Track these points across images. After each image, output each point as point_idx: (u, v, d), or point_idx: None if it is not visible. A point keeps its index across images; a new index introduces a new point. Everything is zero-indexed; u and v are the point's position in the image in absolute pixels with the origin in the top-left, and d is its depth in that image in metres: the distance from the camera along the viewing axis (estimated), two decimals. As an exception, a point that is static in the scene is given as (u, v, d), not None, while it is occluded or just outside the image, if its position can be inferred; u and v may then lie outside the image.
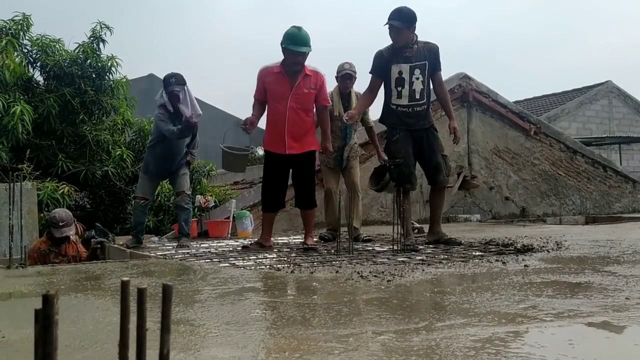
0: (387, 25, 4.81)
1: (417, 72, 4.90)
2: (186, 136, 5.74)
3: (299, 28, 4.86)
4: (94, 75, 8.60)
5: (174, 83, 5.52)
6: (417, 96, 4.92)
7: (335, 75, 5.73)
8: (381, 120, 5.20)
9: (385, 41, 4.99)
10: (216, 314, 2.09)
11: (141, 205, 5.70)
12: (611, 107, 21.67)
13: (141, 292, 0.72)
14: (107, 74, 8.75)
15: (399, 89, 4.92)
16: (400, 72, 4.87)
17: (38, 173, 6.96)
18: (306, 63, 4.89)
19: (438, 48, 5.02)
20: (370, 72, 5.02)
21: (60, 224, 5.36)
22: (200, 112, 5.71)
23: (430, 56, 4.93)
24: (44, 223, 6.39)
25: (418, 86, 4.92)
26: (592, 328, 1.76)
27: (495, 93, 9.88)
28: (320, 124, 5.17)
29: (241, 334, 1.79)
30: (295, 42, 4.75)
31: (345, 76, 5.67)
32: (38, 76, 8.80)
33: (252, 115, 5.02)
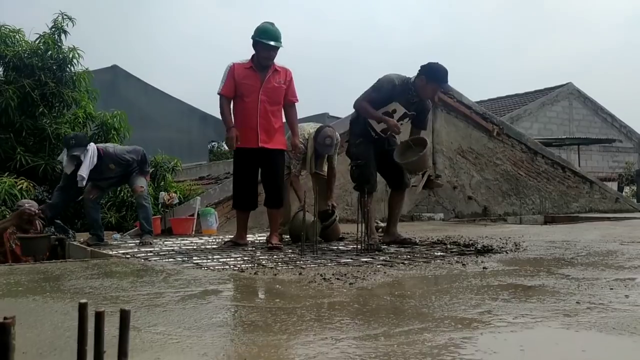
0: (439, 85, 4.92)
1: (405, 120, 5.02)
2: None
3: (272, 24, 4.94)
4: (54, 67, 8.38)
5: (73, 146, 5.45)
6: (388, 132, 4.99)
7: (315, 137, 5.72)
8: (351, 120, 5.26)
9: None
10: (177, 319, 2.09)
11: (91, 201, 5.62)
12: (571, 108, 22.32)
13: (99, 316, 0.72)
14: (69, 65, 8.53)
15: (380, 122, 4.97)
16: (393, 111, 4.93)
17: (-5, 167, 6.76)
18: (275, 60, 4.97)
19: (430, 109, 5.21)
20: (372, 89, 4.94)
21: (27, 205, 5.35)
22: (84, 175, 5.48)
23: (422, 111, 5.06)
24: (0, 219, 6.22)
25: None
26: (543, 334, 1.83)
27: (460, 94, 10.06)
28: (288, 121, 5.19)
29: (202, 340, 1.79)
30: (269, 37, 4.84)
31: (327, 149, 5.72)
32: (-3, 67, 8.53)
33: (231, 128, 4.94)
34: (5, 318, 0.67)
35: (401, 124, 4.98)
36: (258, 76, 4.91)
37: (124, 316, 0.68)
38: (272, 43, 4.82)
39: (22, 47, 8.26)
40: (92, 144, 5.63)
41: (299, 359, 1.56)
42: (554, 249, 4.50)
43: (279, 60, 5.04)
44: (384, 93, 4.90)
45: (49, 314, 2.20)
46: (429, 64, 4.85)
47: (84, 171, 5.39)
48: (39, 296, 2.58)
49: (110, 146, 5.90)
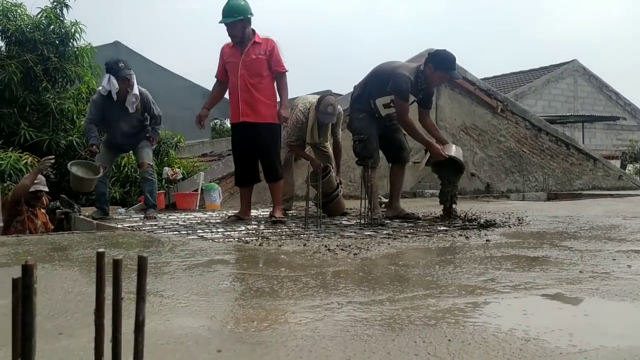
0: (448, 73, 4.88)
1: (414, 103, 5.02)
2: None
3: (227, 0, 4.91)
4: (57, 42, 8.34)
5: (123, 68, 5.46)
6: (393, 113, 5.05)
7: (316, 105, 5.70)
8: (354, 97, 5.25)
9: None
10: (185, 285, 2.12)
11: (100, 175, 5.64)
12: (576, 85, 22.15)
13: (117, 264, 0.74)
14: (71, 40, 8.51)
15: (387, 107, 4.99)
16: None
17: (0, 142, 6.78)
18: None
19: (435, 91, 5.22)
20: (400, 98, 4.84)
21: (36, 181, 5.35)
22: (137, 93, 5.61)
23: (427, 93, 5.05)
24: (6, 193, 6.25)
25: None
26: (546, 299, 1.86)
27: (464, 70, 9.98)
28: (277, 91, 5.09)
29: (210, 304, 1.83)
30: (223, 15, 4.88)
31: (328, 118, 5.70)
32: (-1, 42, 8.50)
33: (202, 109, 5.22)
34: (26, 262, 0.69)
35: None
36: (238, 51, 4.95)
37: (142, 262, 0.70)
38: (224, 21, 4.85)
39: (24, 21, 8.23)
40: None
41: (306, 322, 1.59)
42: (557, 224, 4.52)
43: (274, 34, 5.10)
44: (407, 95, 4.88)
45: (59, 281, 2.23)
46: (437, 52, 4.84)
47: (133, 100, 5.51)
48: (48, 264, 2.61)
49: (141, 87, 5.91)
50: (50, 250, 3.18)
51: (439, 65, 4.78)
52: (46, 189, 5.59)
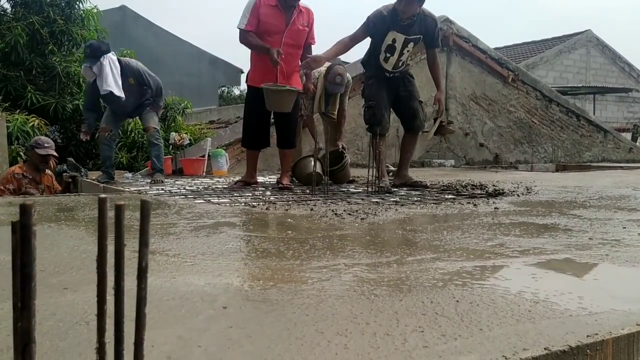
0: None
1: (410, 45, 4.86)
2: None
3: None
4: (63, 4, 8.25)
5: (105, 51, 5.47)
6: (401, 65, 4.94)
7: (325, 75, 5.59)
8: (363, 62, 5.18)
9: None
10: (191, 245, 2.11)
11: (106, 138, 5.64)
12: (589, 56, 21.77)
13: (119, 208, 0.72)
14: (77, 2, 8.39)
15: (387, 55, 4.88)
16: (393, 40, 4.80)
17: (7, 105, 6.76)
18: None
19: (436, 24, 4.93)
20: (364, 27, 4.78)
21: (46, 145, 5.36)
22: (106, 89, 5.46)
23: (427, 31, 4.85)
24: (14, 156, 6.27)
25: (405, 57, 4.92)
26: (555, 264, 1.84)
27: (476, 38, 9.82)
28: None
29: (216, 263, 1.82)
30: None
31: (337, 88, 5.61)
32: (4, 3, 8.40)
33: (269, 48, 4.63)
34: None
35: (408, 51, 4.87)
36: (283, 16, 4.71)
37: (145, 206, 0.68)
38: None
39: (30, -18, 8.11)
40: (109, 54, 5.52)
41: (312, 281, 1.57)
42: (566, 193, 4.47)
43: None
44: (376, 29, 4.77)
45: (64, 239, 2.23)
46: None
47: (110, 84, 5.41)
48: (54, 224, 2.61)
49: (133, 61, 5.89)
50: (56, 211, 3.18)
51: None
52: (55, 154, 5.59)
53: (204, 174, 7.18)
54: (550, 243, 2.20)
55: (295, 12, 4.74)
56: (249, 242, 2.21)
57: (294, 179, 5.66)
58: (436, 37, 4.95)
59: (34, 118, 7.11)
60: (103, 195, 0.75)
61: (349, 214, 3.06)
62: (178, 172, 7.34)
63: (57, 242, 2.14)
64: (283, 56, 4.64)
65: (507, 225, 2.71)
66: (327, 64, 5.89)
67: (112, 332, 0.77)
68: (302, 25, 4.80)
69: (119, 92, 5.40)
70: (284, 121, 5.03)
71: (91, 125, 5.74)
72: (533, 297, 1.41)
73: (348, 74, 5.81)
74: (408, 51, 4.87)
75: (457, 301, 1.38)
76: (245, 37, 4.77)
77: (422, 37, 4.85)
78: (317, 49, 5.10)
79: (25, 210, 0.64)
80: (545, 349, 1.05)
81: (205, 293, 1.45)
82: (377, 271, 1.70)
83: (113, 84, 5.37)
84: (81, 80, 8.36)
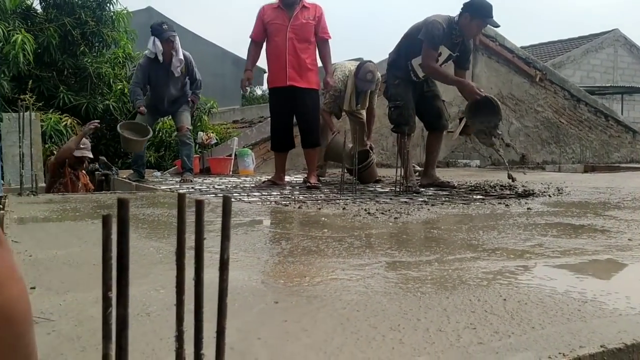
0: (483, 21, 4.62)
1: (450, 60, 4.90)
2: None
3: None
4: (94, 6, 8.40)
5: (167, 30, 5.52)
6: (431, 81, 4.99)
7: (355, 72, 5.62)
8: (390, 63, 5.17)
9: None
10: (233, 243, 2.13)
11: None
12: (616, 56, 21.39)
13: (199, 203, 0.75)
14: (108, 4, 8.55)
15: None
16: (439, 54, 4.81)
17: (40, 104, 6.92)
18: None
19: (472, 49, 4.97)
20: (429, 43, 4.72)
21: (82, 145, 5.47)
22: (182, 58, 5.62)
23: (464, 51, 4.87)
24: (47, 154, 6.41)
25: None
26: (598, 265, 1.84)
27: (503, 37, 9.74)
28: (321, 58, 5.08)
29: (259, 260, 1.85)
30: None
31: (367, 85, 5.63)
32: (37, 5, 8.59)
33: (246, 70, 5.13)
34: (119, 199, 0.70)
35: (445, 65, 4.91)
36: (285, 14, 4.88)
37: (227, 202, 0.71)
38: None
39: (62, -16, 8.28)
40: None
41: (357, 278, 1.60)
42: (598, 194, 4.43)
43: None
44: (439, 40, 4.73)
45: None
46: (472, 0, 4.66)
47: (181, 61, 5.57)
48: (97, 220, 2.68)
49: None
50: (96, 208, 3.26)
51: (476, 13, 4.58)
52: (91, 155, 5.70)
53: (231, 173, 7.25)
54: (590, 244, 2.19)
55: (297, 8, 4.87)
56: (289, 240, 2.25)
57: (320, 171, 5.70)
58: (469, 59, 5.01)
59: (67, 117, 7.27)
60: (182, 191, 0.79)
61: (382, 213, 3.08)
62: (205, 171, 7.43)
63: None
64: (248, 84, 5.11)
65: (543, 225, 2.70)
66: (356, 62, 5.92)
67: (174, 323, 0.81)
68: (307, 19, 4.89)
69: (177, 73, 5.57)
70: (304, 121, 5.08)
71: (143, 100, 5.78)
72: (580, 296, 1.42)
73: (378, 73, 5.82)
74: (445, 65, 4.90)
75: (505, 299, 1.39)
76: (249, 46, 5.12)
77: (457, 55, 4.87)
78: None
79: (122, 204, 0.67)
80: (601, 346, 1.06)
81: (255, 288, 1.49)
82: (419, 269, 1.72)
83: (180, 62, 5.56)
84: (111, 80, 8.51)
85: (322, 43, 5.00)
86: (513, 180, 5.11)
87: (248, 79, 5.09)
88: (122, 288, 0.71)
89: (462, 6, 4.69)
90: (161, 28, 5.51)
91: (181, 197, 0.79)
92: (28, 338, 0.67)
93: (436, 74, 4.84)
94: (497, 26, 4.69)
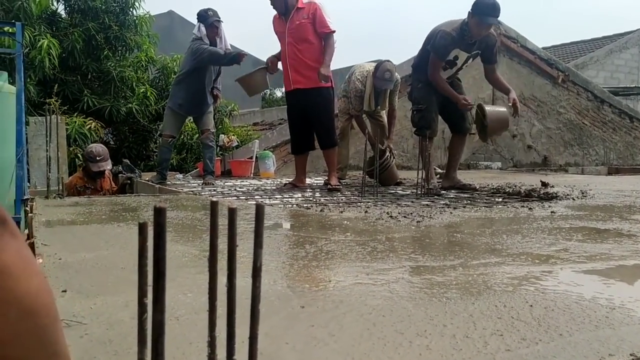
0: (481, 20, 4.58)
1: (469, 61, 4.92)
2: (219, 63, 5.76)
3: None
4: (117, 10, 8.53)
5: (212, 15, 5.63)
6: (455, 77, 5.00)
7: (374, 72, 5.62)
8: (413, 66, 5.18)
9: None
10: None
11: (168, 143, 5.79)
12: (641, 56, 20.99)
13: (232, 211, 0.77)
14: (131, 9, 8.67)
15: (446, 68, 4.92)
16: (455, 57, 4.85)
17: (65, 108, 7.04)
18: None
19: (496, 40, 4.93)
20: (436, 54, 4.80)
21: (97, 158, 5.52)
22: (230, 47, 5.73)
23: (487, 47, 4.84)
24: (72, 157, 6.53)
25: (462, 71, 4.99)
26: (626, 270, 1.82)
27: (524, 38, 9.64)
28: (324, 50, 4.98)
29: (284, 264, 1.87)
30: None
31: (386, 84, 5.60)
32: (62, 10, 8.75)
33: (272, 55, 5.18)
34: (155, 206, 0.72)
35: (466, 65, 4.93)
36: (284, 21, 4.98)
37: (260, 211, 0.73)
38: None
39: (87, -10, 8.42)
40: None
41: (380, 283, 1.60)
42: (623, 197, 4.36)
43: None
44: (448, 50, 4.78)
45: (136, 237, 2.32)
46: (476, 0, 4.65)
47: (222, 45, 5.62)
48: (122, 223, 2.73)
49: None
50: (121, 211, 3.31)
51: (475, 11, 4.58)
52: (109, 167, 5.77)
53: (252, 175, 7.30)
54: (617, 249, 2.16)
55: (292, 12, 4.93)
56: (312, 244, 2.26)
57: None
58: (495, 53, 4.96)
59: (91, 121, 7.39)
60: (214, 199, 0.80)
61: (404, 217, 3.07)
62: (226, 174, 7.49)
63: (130, 241, 2.24)
64: (272, 68, 5.15)
65: (568, 229, 2.67)
66: (372, 64, 5.92)
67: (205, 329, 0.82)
68: (301, 19, 4.91)
69: (228, 55, 5.61)
70: (317, 122, 5.07)
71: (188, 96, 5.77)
72: (608, 303, 1.41)
73: (397, 74, 5.81)
74: (466, 66, 4.95)
75: (531, 306, 1.38)
76: None
77: (479, 52, 4.85)
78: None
79: (160, 211, 0.69)
80: (630, 354, 1.05)
81: (280, 293, 1.50)
82: (444, 274, 1.72)
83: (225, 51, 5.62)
84: (134, 83, 8.62)
85: (325, 38, 4.96)
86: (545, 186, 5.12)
87: (271, 62, 5.13)
88: (159, 293, 0.73)
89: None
90: (206, 14, 5.60)
91: (214, 205, 0.80)
92: (55, 333, 0.67)
93: (436, 84, 4.89)
94: (493, 25, 4.65)
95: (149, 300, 0.77)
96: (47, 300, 0.66)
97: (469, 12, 4.65)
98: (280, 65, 5.19)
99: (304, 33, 4.91)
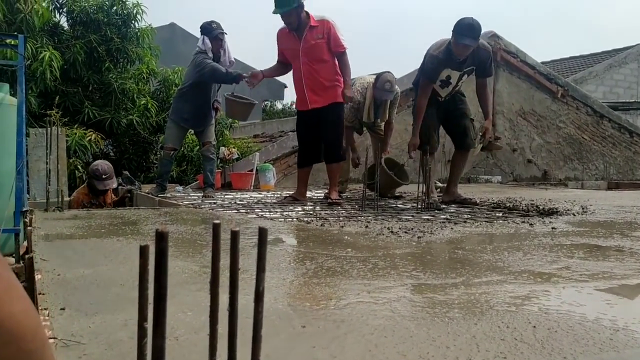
0: (457, 41, 4.61)
1: (464, 77, 4.95)
2: (218, 80, 5.80)
3: None
4: (119, 22, 8.57)
5: (216, 28, 5.64)
6: (454, 93, 5.03)
7: (374, 83, 5.65)
8: (414, 82, 5.23)
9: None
10: (254, 261, 2.16)
11: (170, 156, 5.78)
12: (640, 71, 21.08)
13: (235, 234, 0.76)
14: (133, 21, 8.71)
15: (442, 87, 4.96)
16: (448, 77, 4.88)
17: (66, 119, 7.05)
18: (312, 14, 4.91)
19: (489, 55, 4.93)
20: (424, 77, 4.89)
21: (104, 176, 5.52)
22: (233, 59, 5.76)
23: (480, 63, 4.86)
24: (72, 169, 6.52)
25: (459, 87, 5.02)
26: (628, 290, 1.80)
27: (524, 53, 9.69)
28: (340, 70, 5.01)
29: (284, 282, 1.86)
30: (276, 5, 4.77)
31: (385, 94, 5.62)
32: (64, 22, 8.79)
33: (260, 71, 5.23)
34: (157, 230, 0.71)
35: (462, 82, 4.99)
36: (296, 38, 4.89)
37: (262, 234, 0.72)
38: (278, 11, 4.76)
39: (89, 3, 8.47)
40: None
41: (382, 302, 1.59)
42: (624, 213, 4.35)
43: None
44: (435, 74, 4.84)
45: (135, 252, 2.30)
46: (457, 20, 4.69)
47: (226, 58, 5.69)
48: (122, 237, 2.71)
49: None
50: (121, 224, 3.30)
51: (453, 31, 4.63)
52: (114, 185, 5.78)
53: (252, 187, 7.29)
54: (619, 267, 2.15)
55: (306, 31, 4.85)
56: (313, 260, 2.25)
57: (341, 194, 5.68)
58: (488, 67, 4.97)
59: (91, 132, 7.40)
60: (217, 222, 0.80)
61: (405, 232, 3.06)
62: (227, 186, 7.48)
63: (129, 255, 2.23)
64: (253, 81, 5.22)
65: (569, 246, 2.66)
66: (373, 76, 5.94)
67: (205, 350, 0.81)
68: (316, 39, 4.86)
69: (229, 70, 5.65)
70: (327, 135, 5.07)
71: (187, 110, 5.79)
72: (612, 324, 1.39)
73: (397, 86, 5.82)
74: (462, 82, 4.98)
75: (534, 327, 1.37)
76: None
77: (473, 67, 4.87)
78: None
79: (161, 236, 0.69)
80: (636, 379, 1.04)
81: (281, 311, 1.49)
82: (446, 292, 1.71)
83: (230, 62, 5.70)
84: (135, 95, 8.63)
85: (339, 56, 4.97)
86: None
87: (254, 76, 5.20)
88: (159, 318, 0.72)
89: None
90: (210, 27, 5.61)
91: (216, 227, 0.80)
92: (42, 358, 0.66)
93: (418, 107, 4.96)
94: (470, 45, 4.61)
95: (149, 324, 0.76)
96: (33, 324, 0.64)
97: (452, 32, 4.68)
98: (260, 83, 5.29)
99: (319, 53, 4.88)
